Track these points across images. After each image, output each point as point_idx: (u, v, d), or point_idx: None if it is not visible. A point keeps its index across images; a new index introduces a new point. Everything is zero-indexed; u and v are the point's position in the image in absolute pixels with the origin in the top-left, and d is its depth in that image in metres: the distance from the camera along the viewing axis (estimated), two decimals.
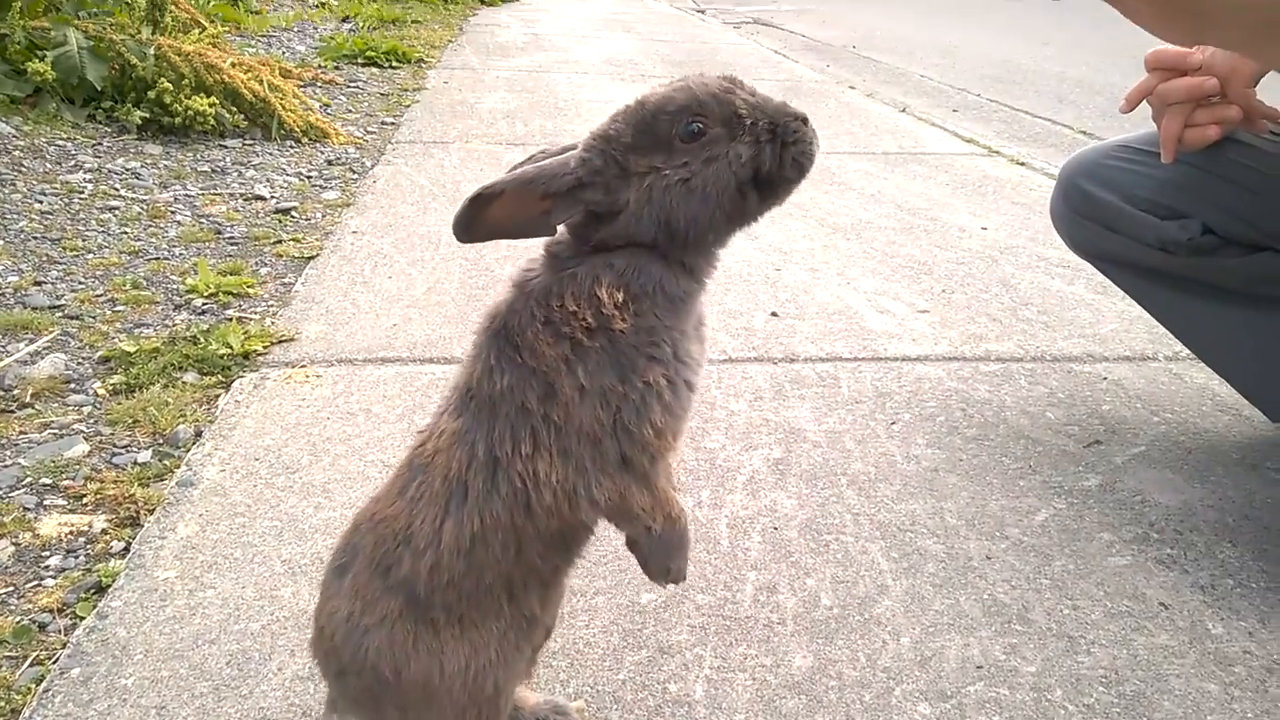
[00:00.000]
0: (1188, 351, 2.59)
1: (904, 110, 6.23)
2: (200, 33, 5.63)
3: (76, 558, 1.72)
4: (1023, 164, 4.87)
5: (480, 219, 0.98)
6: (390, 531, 1.08)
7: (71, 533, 1.79)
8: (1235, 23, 1.02)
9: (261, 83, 4.86)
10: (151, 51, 4.60)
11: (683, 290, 1.05)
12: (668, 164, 0.97)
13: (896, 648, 1.54)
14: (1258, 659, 1.55)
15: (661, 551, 1.09)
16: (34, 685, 1.40)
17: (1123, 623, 1.63)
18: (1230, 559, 1.81)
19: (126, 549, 1.73)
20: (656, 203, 0.98)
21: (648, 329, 1.01)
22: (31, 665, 1.46)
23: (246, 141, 4.63)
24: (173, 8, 5.39)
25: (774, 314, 2.88)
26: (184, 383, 2.31)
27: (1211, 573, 1.77)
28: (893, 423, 2.26)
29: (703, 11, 12.93)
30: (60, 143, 4.19)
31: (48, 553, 1.73)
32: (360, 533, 1.13)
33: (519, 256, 3.10)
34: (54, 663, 1.45)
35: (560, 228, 1.06)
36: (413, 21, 9.14)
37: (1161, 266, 2.15)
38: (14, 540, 1.75)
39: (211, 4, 7.13)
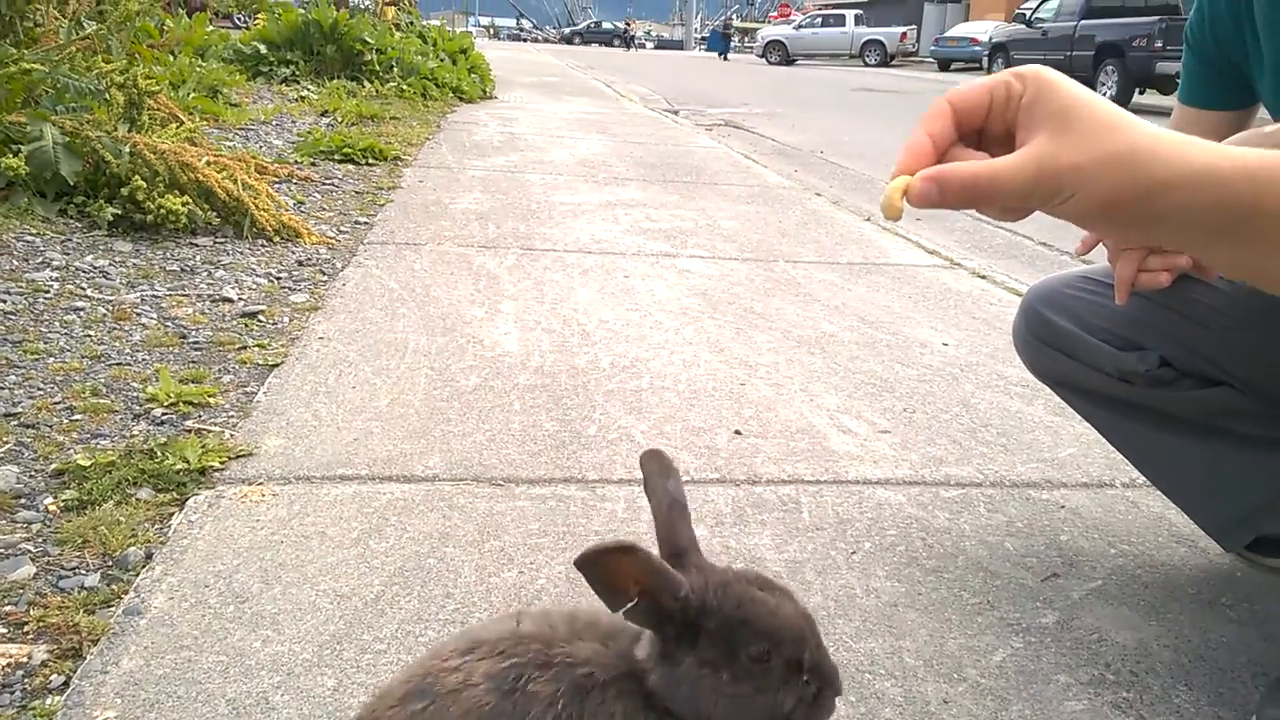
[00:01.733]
0: (1143, 479, 2.63)
1: (868, 219, 6.38)
2: (178, 127, 5.71)
3: (12, 693, 1.67)
4: (984, 276, 4.99)
5: (609, 562, 1.00)
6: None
7: (10, 664, 1.73)
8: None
9: (236, 181, 4.91)
10: (127, 149, 4.65)
11: None
12: (727, 670, 1.02)
13: None
14: None
15: None
16: None
17: None
18: (1186, 703, 1.81)
19: (66, 683, 1.68)
20: (701, 696, 1.03)
21: None
22: None
23: (218, 239, 4.65)
24: (151, 105, 5.48)
25: (737, 432, 2.89)
26: (138, 499, 2.28)
27: (1168, 718, 1.76)
28: (853, 552, 2.26)
29: (676, 112, 13.28)
30: (29, 238, 4.20)
31: None
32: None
33: (484, 368, 3.10)
34: None
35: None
36: (391, 118, 9.31)
37: (1119, 395, 2.19)
38: None
39: (191, 97, 7.25)
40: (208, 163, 4.90)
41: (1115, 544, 2.38)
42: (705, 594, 1.03)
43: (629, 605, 1.01)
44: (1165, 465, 2.29)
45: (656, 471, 1.15)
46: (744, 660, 1.01)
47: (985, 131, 1.04)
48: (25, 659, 1.75)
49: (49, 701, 1.63)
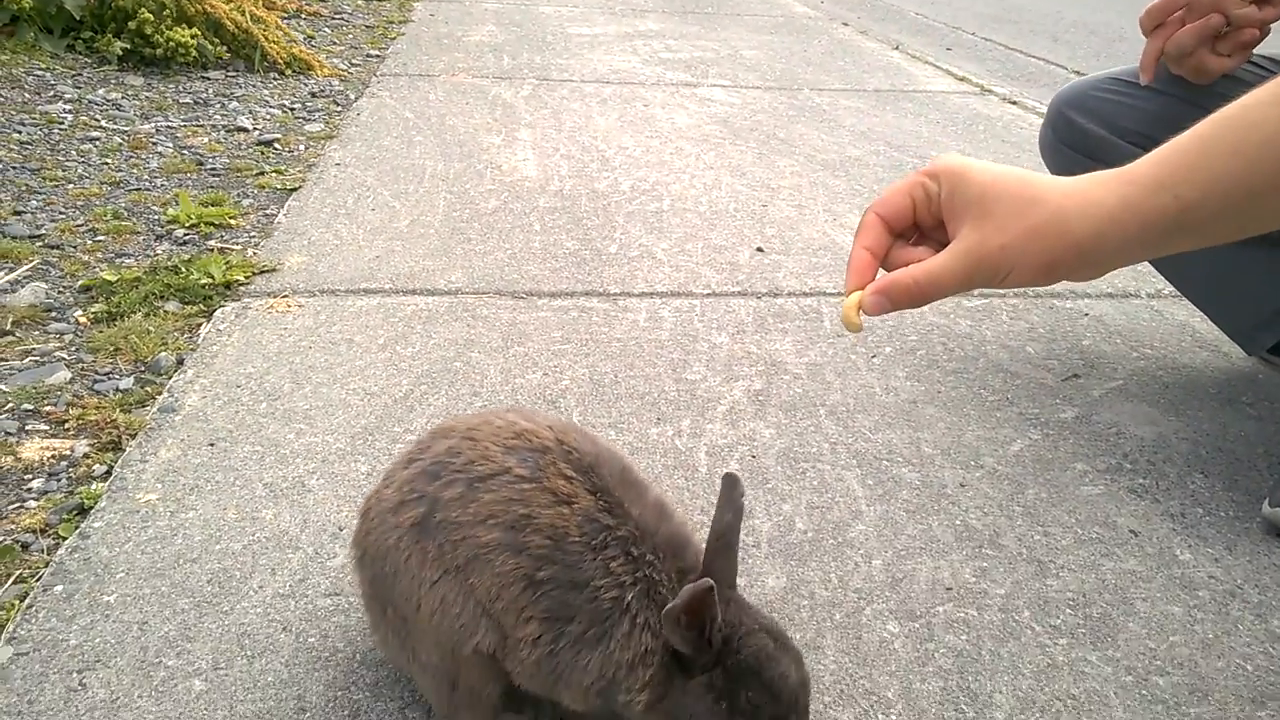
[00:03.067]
0: (1170, 289, 2.61)
1: (897, 48, 6.16)
2: None
3: (58, 480, 1.73)
4: (1014, 103, 4.84)
5: (703, 606, 1.02)
6: (468, 458, 1.13)
7: (53, 457, 1.80)
8: None
9: (244, 14, 4.77)
10: None
11: None
12: (727, 702, 1.07)
13: (868, 570, 1.57)
14: (1222, 584, 1.58)
15: None
16: (18, 601, 1.42)
17: (1092, 549, 1.65)
18: (1201, 489, 1.84)
19: (108, 472, 1.74)
20: (699, 714, 1.08)
21: None
22: (15, 583, 1.48)
23: (229, 73, 4.56)
24: None
25: (759, 249, 2.87)
26: (165, 311, 2.31)
27: (1182, 501, 1.80)
28: (874, 356, 2.27)
29: None
30: (39, 73, 4.13)
31: (30, 476, 1.74)
32: (442, 435, 1.18)
33: (503, 192, 3.07)
34: (37, 580, 1.46)
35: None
36: None
37: None
38: None
39: None
40: None
41: (1138, 348, 2.38)
42: (733, 634, 1.08)
43: (679, 626, 1.04)
44: (1191, 270, 2.26)
45: (724, 503, 1.15)
46: (743, 702, 1.07)
47: (919, 225, 1.09)
48: (68, 452, 1.81)
49: (94, 487, 1.69)
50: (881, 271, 1.08)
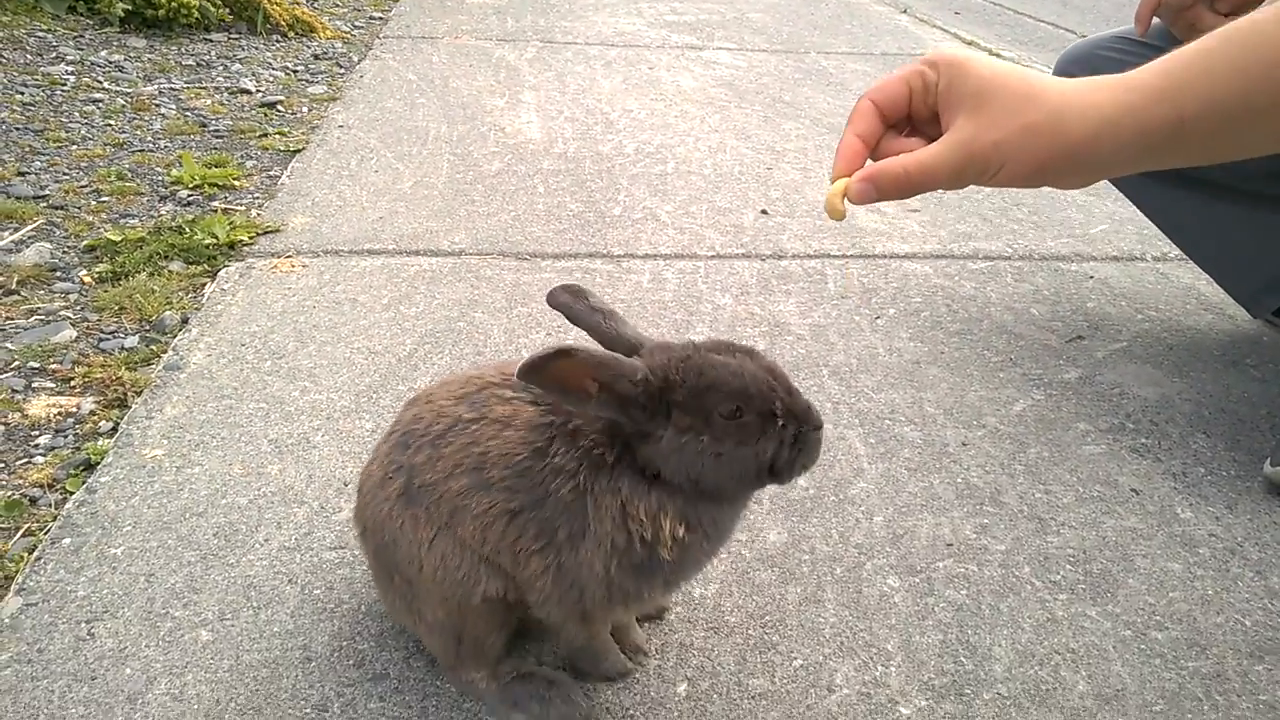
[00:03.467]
0: (1176, 252, 2.60)
1: (905, 11, 6.10)
2: None
3: (65, 437, 1.74)
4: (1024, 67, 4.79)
5: (551, 368, 1.00)
6: (430, 419, 1.15)
7: (60, 413, 1.81)
8: None
9: None
10: None
11: (729, 520, 1.15)
12: (706, 432, 1.04)
13: (869, 526, 1.57)
14: (1221, 541, 1.59)
15: (579, 657, 1.27)
16: (26, 554, 1.44)
17: (1093, 506, 1.66)
18: (1203, 449, 1.84)
19: (114, 429, 1.75)
20: (688, 461, 1.05)
21: (685, 561, 1.12)
22: (24, 536, 1.49)
23: (231, 35, 4.53)
24: None
25: (764, 212, 2.86)
26: (170, 271, 2.31)
27: (1184, 461, 1.80)
28: (877, 317, 2.27)
29: None
30: (40, 34, 4.10)
31: (37, 432, 1.75)
32: (413, 405, 1.20)
33: (507, 154, 3.05)
34: (45, 533, 1.48)
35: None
36: None
37: None
38: (3, 420, 1.77)
39: None
40: None
41: (1143, 310, 2.37)
42: (668, 370, 1.05)
43: (592, 401, 1.03)
44: (1196, 232, 2.25)
45: (570, 301, 1.15)
46: (718, 421, 1.04)
47: (913, 117, 1.06)
48: (75, 409, 1.82)
49: (100, 443, 1.70)
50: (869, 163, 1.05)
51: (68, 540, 1.45)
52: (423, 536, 1.13)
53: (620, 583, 1.10)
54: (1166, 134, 0.97)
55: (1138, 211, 2.38)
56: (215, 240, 2.41)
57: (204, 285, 2.26)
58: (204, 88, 3.77)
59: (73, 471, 1.64)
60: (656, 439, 1.06)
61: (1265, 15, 0.95)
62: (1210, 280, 2.37)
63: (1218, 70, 0.95)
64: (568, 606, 1.13)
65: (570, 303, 1.15)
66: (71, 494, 1.57)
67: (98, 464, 1.64)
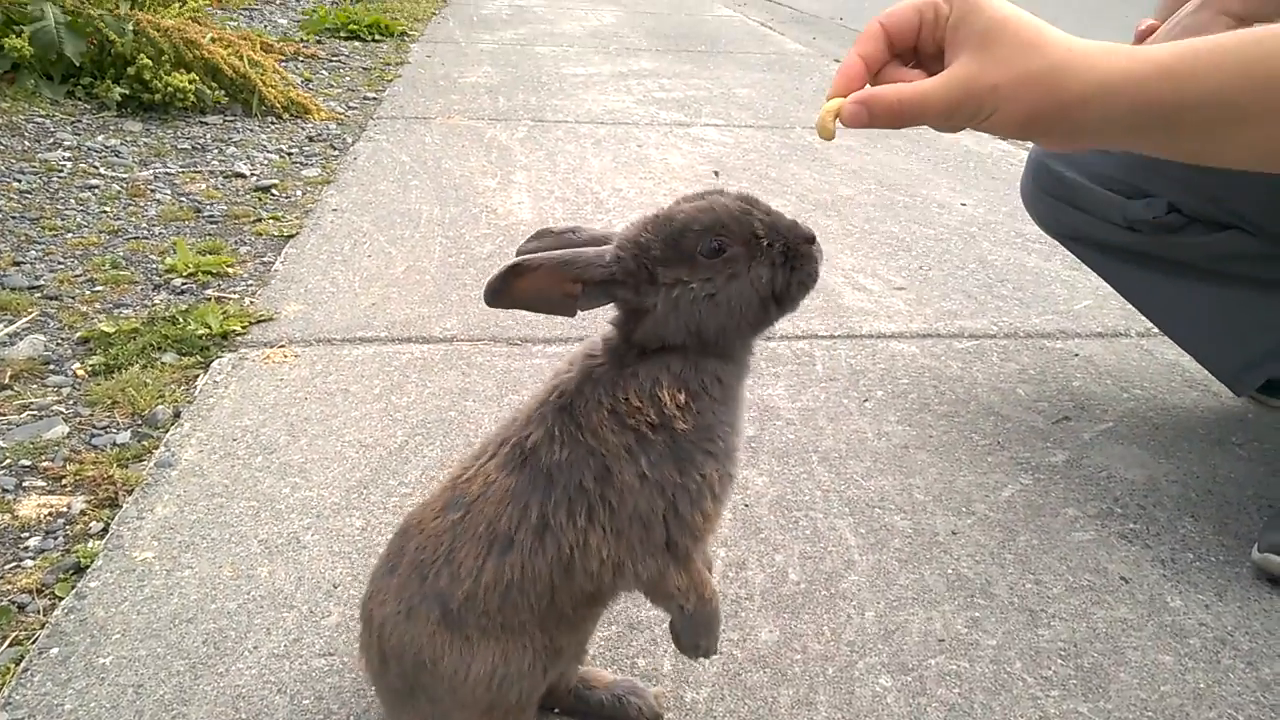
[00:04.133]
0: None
1: None
2: (181, 6, 5.59)
3: (55, 539, 1.74)
4: (1006, 139, 4.88)
5: (512, 288, 1.02)
6: (433, 545, 1.13)
7: (51, 514, 1.81)
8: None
9: (242, 58, 4.83)
10: (130, 27, 4.57)
11: (734, 381, 1.12)
12: (694, 278, 1.03)
13: (861, 621, 1.57)
14: (1212, 631, 1.59)
15: (692, 629, 1.16)
16: (13, 665, 1.43)
17: (1083, 596, 1.66)
18: (1191, 533, 1.85)
19: (105, 530, 1.75)
20: (685, 313, 1.04)
21: (705, 426, 1.09)
22: (10, 645, 1.49)
23: (227, 118, 4.61)
24: None
25: None
26: (163, 363, 2.33)
27: (1172, 547, 1.81)
28: (865, 400, 2.29)
29: None
30: (39, 120, 4.17)
31: (27, 534, 1.75)
32: (408, 536, 1.18)
33: (499, 236, 3.09)
34: (33, 643, 1.47)
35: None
36: None
37: (1129, 244, 2.18)
38: None
39: None
40: (213, 40, 4.82)
41: (1128, 389, 2.39)
42: (637, 236, 1.05)
43: (578, 301, 1.04)
44: (1176, 313, 2.28)
45: (537, 245, 1.15)
46: (702, 262, 1.02)
47: (919, 49, 1.06)
48: (65, 508, 1.82)
49: (90, 545, 1.70)
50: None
51: (55, 650, 1.45)
52: (477, 650, 1.11)
53: (666, 480, 1.06)
54: (1158, 112, 0.97)
55: None
56: (208, 330, 2.43)
57: (197, 377, 2.27)
58: (199, 171, 3.82)
59: (62, 575, 1.63)
60: (653, 309, 1.05)
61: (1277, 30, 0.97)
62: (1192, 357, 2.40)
63: (1225, 67, 0.96)
64: (650, 550, 1.09)
65: (537, 246, 1.15)
66: (61, 599, 1.56)
67: (88, 567, 1.63)
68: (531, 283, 1.02)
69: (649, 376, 1.06)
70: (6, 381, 2.23)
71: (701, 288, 1.03)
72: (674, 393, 1.06)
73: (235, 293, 2.74)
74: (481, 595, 1.10)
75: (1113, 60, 0.98)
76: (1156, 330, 2.65)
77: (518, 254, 1.12)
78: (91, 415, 2.13)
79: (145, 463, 1.95)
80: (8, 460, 1.95)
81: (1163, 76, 0.96)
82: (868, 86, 1.05)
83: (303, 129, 4.57)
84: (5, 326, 2.46)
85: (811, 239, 1.07)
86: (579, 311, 1.08)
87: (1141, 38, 1.90)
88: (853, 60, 1.05)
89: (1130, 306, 2.64)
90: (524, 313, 2.64)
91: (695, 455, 1.08)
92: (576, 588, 1.12)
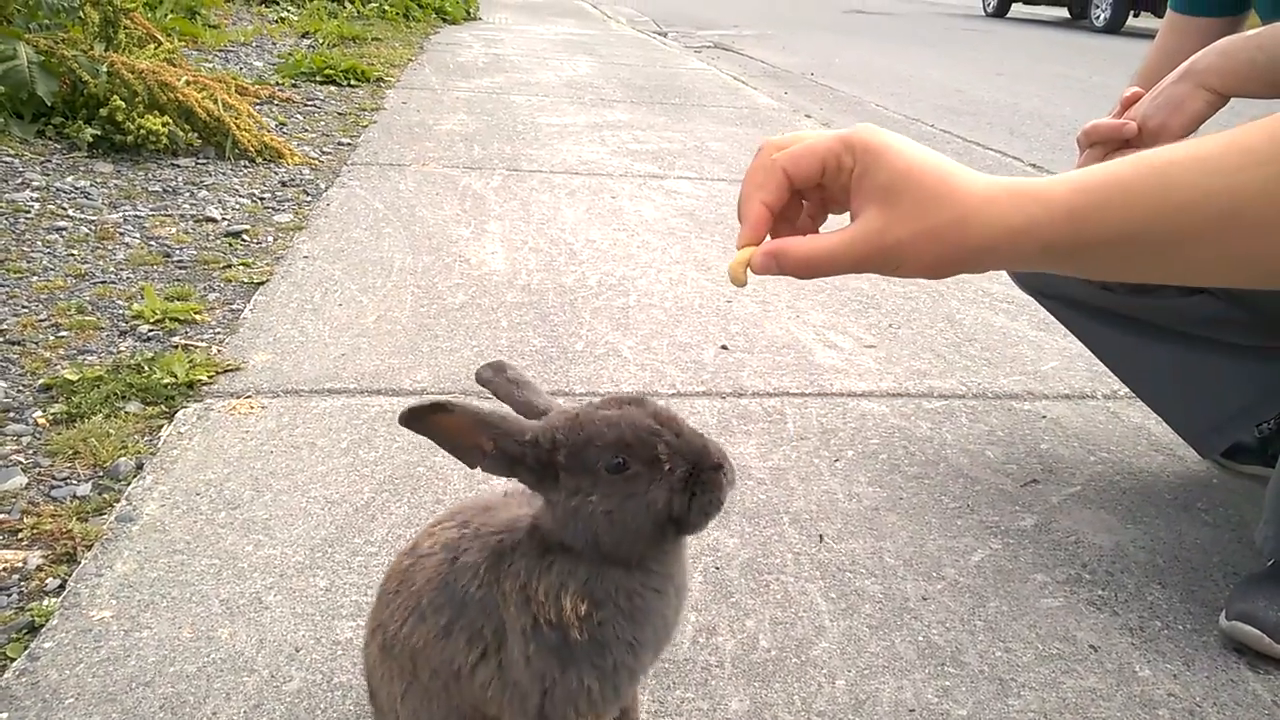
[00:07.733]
0: (1125, 390, 2.66)
1: None
2: (156, 48, 5.59)
3: (9, 595, 1.70)
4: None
5: (430, 421, 1.03)
6: (397, 577, 1.20)
7: (6, 569, 1.76)
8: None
9: (216, 101, 4.82)
10: (104, 69, 4.55)
11: (644, 591, 1.10)
12: (594, 491, 1.03)
13: (832, 690, 1.56)
14: (1181, 701, 1.59)
15: None
16: None
17: (1053, 665, 1.66)
18: (1159, 601, 1.86)
19: (62, 586, 1.71)
20: (583, 523, 1.04)
21: (600, 642, 1.08)
22: None
23: (200, 160, 4.59)
24: (127, 23, 5.36)
25: (724, 347, 2.91)
26: (127, 413, 2.29)
27: (1141, 615, 1.82)
28: (836, 460, 2.30)
29: (664, 34, 13.03)
30: (7, 159, 4.13)
31: None
32: (397, 559, 1.24)
33: (471, 286, 3.08)
34: None
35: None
36: (373, 39, 9.11)
37: (1100, 304, 2.22)
38: None
39: (168, 18, 7.08)
40: (187, 83, 4.81)
41: (1095, 452, 2.42)
42: (554, 431, 1.04)
43: (486, 459, 1.05)
44: (1144, 373, 2.32)
45: (491, 375, 1.17)
46: (604, 476, 1.01)
47: (824, 188, 1.06)
48: (21, 564, 1.77)
49: (46, 603, 1.66)
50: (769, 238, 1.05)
51: (4, 716, 1.40)
52: (396, 690, 1.17)
53: (547, 671, 1.07)
54: (1066, 252, 0.97)
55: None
56: (174, 379, 2.40)
57: (161, 427, 2.24)
58: (169, 215, 3.80)
59: (15, 635, 1.59)
60: (553, 504, 1.05)
61: (1179, 155, 0.96)
62: (1159, 419, 2.43)
63: (1133, 206, 0.95)
64: (525, 713, 1.10)
65: (491, 377, 1.17)
66: (12, 660, 1.52)
67: (42, 626, 1.59)
68: (451, 424, 1.03)
69: (560, 576, 1.07)
70: None
71: (600, 503, 1.02)
72: (577, 601, 1.06)
73: (203, 341, 2.71)
74: (401, 645, 1.15)
75: (1017, 208, 0.97)
76: (1123, 392, 2.70)
77: (477, 378, 1.18)
78: (52, 466, 2.08)
79: (106, 516, 1.91)
80: None
81: (1068, 219, 0.96)
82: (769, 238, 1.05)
83: (276, 174, 4.56)
84: None
85: (718, 466, 1.04)
86: (483, 472, 1.08)
87: (1126, 105, 1.94)
88: (758, 210, 1.04)
89: (1097, 368, 2.68)
90: None
91: (582, 664, 1.08)
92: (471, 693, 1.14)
